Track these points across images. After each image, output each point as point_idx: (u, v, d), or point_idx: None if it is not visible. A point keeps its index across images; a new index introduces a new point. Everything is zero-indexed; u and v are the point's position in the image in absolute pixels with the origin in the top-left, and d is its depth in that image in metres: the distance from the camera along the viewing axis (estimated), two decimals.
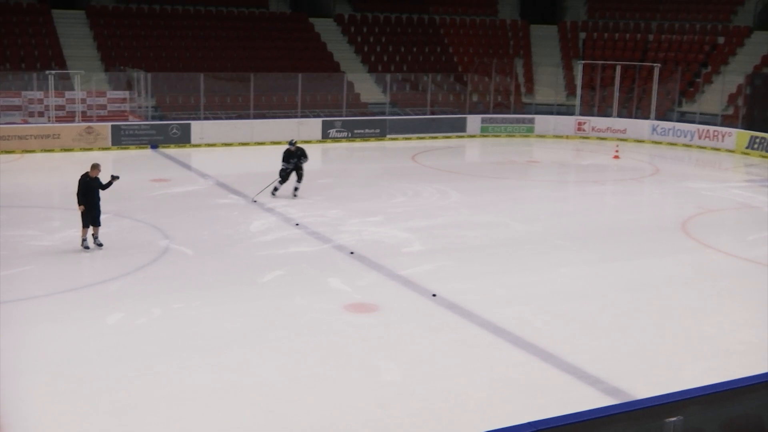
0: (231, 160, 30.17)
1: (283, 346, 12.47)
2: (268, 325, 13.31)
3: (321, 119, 34.46)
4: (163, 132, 31.44)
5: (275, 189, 22.59)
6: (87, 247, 16.76)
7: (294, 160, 22.58)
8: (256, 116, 33.90)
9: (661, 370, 12.00)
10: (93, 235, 16.87)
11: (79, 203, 16.53)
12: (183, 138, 31.63)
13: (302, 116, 34.58)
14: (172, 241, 17.92)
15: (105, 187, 16.86)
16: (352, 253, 17.28)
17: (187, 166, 28.25)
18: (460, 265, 16.96)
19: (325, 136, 34.07)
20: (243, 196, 22.73)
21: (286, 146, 22.97)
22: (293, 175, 22.75)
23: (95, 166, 16.82)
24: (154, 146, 30.99)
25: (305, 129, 33.74)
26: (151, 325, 13.11)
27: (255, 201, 21.88)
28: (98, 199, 16.74)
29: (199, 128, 32.10)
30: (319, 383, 11.15)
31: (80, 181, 16.67)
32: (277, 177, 22.73)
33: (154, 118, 32.80)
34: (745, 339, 13.35)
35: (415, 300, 14.62)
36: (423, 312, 14.06)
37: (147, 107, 33.16)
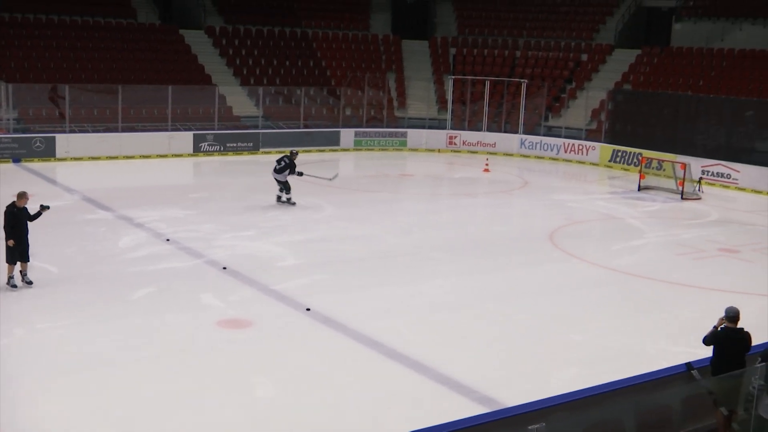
0: (98, 174, 29.32)
1: (155, 365, 12.20)
2: (138, 343, 12.99)
3: (192, 132, 33.89)
4: (26, 145, 30.27)
5: (289, 199, 23.61)
6: (15, 286, 14.96)
7: (284, 167, 23.50)
8: (125, 129, 33.05)
9: (531, 377, 12.34)
10: (21, 272, 15.16)
11: (8, 237, 14.82)
12: (47, 151, 30.55)
13: (173, 129, 33.92)
14: (35, 258, 17.20)
15: (33, 218, 15.24)
16: (224, 268, 17.08)
17: (52, 181, 27.30)
18: (335, 279, 16.99)
19: (197, 150, 33.54)
20: (111, 210, 22.14)
21: (287, 154, 24.03)
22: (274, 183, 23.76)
23: (22, 195, 15.14)
24: (17, 160, 29.83)
25: (176, 142, 33.15)
26: (13, 347, 12.59)
27: (333, 178, 24.23)
28: (27, 231, 15.05)
29: (65, 141, 31.06)
30: (192, 401, 10.96)
31: (7, 211, 14.97)
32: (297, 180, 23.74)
33: (16, 130, 31.55)
34: (610, 345, 13.88)
35: (290, 314, 14.55)
36: (297, 326, 14.02)
37: (8, 119, 31.88)
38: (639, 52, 40.81)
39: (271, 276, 16.69)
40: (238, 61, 40.36)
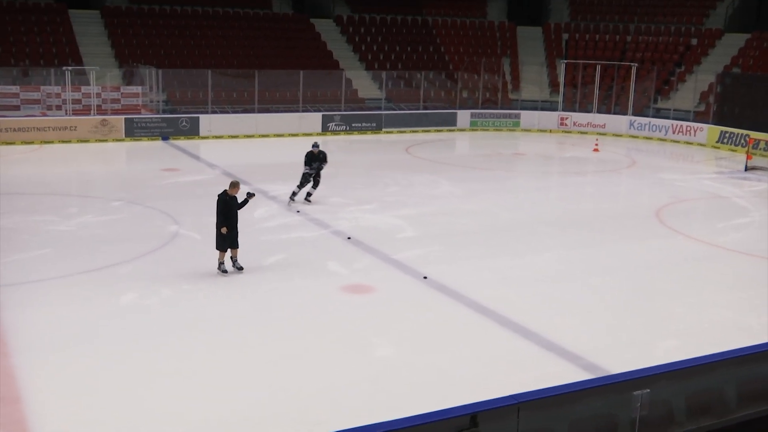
0: (237, 151, 30.10)
1: (283, 325, 12.50)
2: (270, 305, 13.35)
3: (321, 113, 34.39)
4: (174, 125, 31.36)
5: (294, 194, 20.57)
6: (225, 271, 14.50)
7: (316, 164, 20.58)
8: (261, 110, 33.80)
9: (634, 346, 12.07)
10: (232, 258, 14.70)
11: (221, 224, 14.29)
12: (192, 130, 31.56)
13: (303, 110, 34.51)
14: (181, 226, 17.92)
15: (242, 206, 14.64)
16: (349, 238, 17.30)
17: (196, 157, 28.19)
18: (450, 250, 16.98)
19: (325, 129, 34.03)
20: (248, 184, 22.66)
21: (310, 149, 20.90)
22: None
23: (235, 184, 14.53)
24: (165, 138, 30.93)
25: (306, 122, 33.69)
26: (161, 306, 13.13)
27: (293, 201, 20.44)
28: (237, 219, 14.54)
29: (207, 121, 32.03)
30: (317, 359, 11.18)
31: (220, 199, 14.34)
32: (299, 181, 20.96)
33: (165, 111, 32.70)
34: (712, 319, 13.42)
35: (408, 282, 14.65)
36: (414, 293, 14.10)
37: (158, 101, 33.07)
38: (749, 36, 39.01)
39: (391, 246, 16.82)
40: (363, 48, 40.62)
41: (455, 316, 13.16)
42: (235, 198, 14.48)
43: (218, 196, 14.40)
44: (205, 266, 15.07)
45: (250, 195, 14.81)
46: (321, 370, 10.80)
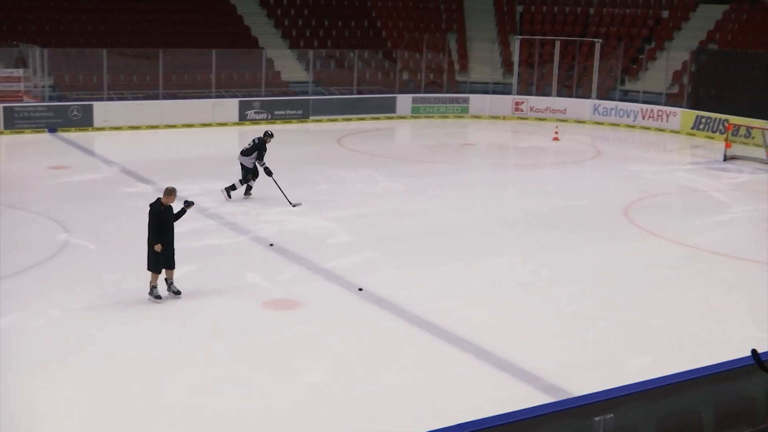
0: (138, 144, 29.73)
1: (197, 349, 12.38)
2: (180, 325, 13.22)
3: (238, 99, 34.17)
4: (63, 114, 30.82)
5: (249, 189, 21.25)
6: (159, 297, 13.85)
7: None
8: (166, 96, 33.44)
9: (603, 364, 12.27)
10: (166, 279, 14.08)
11: (154, 241, 13.67)
12: (84, 120, 31.05)
13: (217, 96, 34.26)
14: (72, 234, 17.62)
15: (177, 217, 14.11)
16: (271, 245, 17.22)
17: (90, 152, 27.77)
18: (389, 257, 17.02)
19: (243, 118, 33.81)
20: (152, 183, 22.45)
21: (260, 138, 21.32)
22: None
23: (171, 191, 13.92)
24: (52, 130, 30.39)
25: (220, 110, 33.44)
26: (49, 328, 12.89)
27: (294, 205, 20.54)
28: (173, 233, 13.98)
29: (103, 110, 31.54)
30: (236, 387, 11.11)
31: (153, 210, 13.75)
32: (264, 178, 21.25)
33: (51, 98, 32.12)
34: (691, 330, 13.71)
35: (340, 295, 14.64)
36: (348, 308, 14.11)
37: (44, 87, 32.48)
38: (726, 7, 39.92)
39: (321, 253, 16.78)
40: (286, 22, 40.50)
41: (396, 333, 13.19)
42: (171, 208, 13.95)
43: (150, 206, 13.84)
44: (101, 280, 14.86)
45: (188, 204, 14.36)
46: (242, 399, 10.73)
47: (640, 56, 39.73)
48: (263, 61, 35.86)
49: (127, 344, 12.37)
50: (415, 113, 37.41)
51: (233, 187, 21.06)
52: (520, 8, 43.95)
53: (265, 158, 21.01)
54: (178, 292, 14.07)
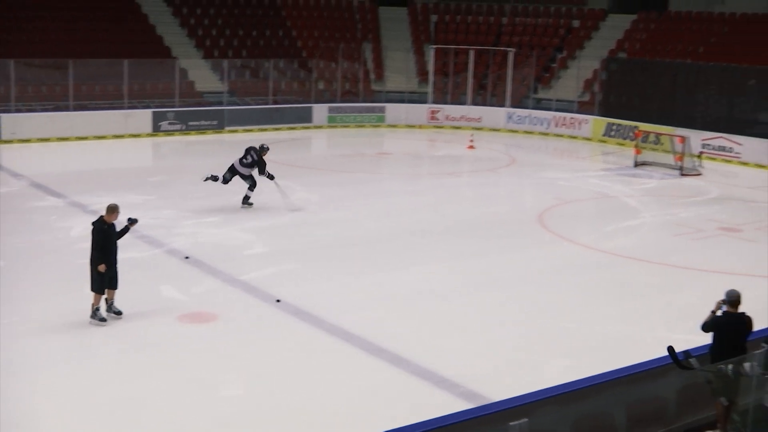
0: (48, 157, 29.15)
1: (114, 364, 12.20)
2: (94, 341, 12.98)
3: (151, 110, 33.73)
4: None
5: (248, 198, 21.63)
6: (103, 319, 13.40)
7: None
8: (77, 107, 32.83)
9: (520, 370, 12.43)
10: (107, 299, 13.61)
11: (99, 260, 13.24)
12: None
13: (130, 107, 33.75)
14: None
15: (120, 235, 13.69)
16: (187, 257, 17.05)
17: None
18: (307, 267, 16.99)
19: (157, 129, 33.38)
20: (63, 197, 22.02)
21: (255, 148, 21.70)
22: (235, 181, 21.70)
23: (114, 209, 13.48)
24: None
25: (133, 121, 32.97)
26: None
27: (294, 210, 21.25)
28: (117, 252, 13.58)
29: (11, 122, 30.82)
30: (154, 402, 10.96)
31: (97, 229, 13.36)
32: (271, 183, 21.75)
33: None
34: (605, 334, 14.00)
35: (258, 307, 14.57)
36: (266, 320, 14.05)
37: None
38: (635, 17, 40.90)
39: (237, 265, 16.69)
40: (200, 32, 40.13)
41: (315, 344, 13.18)
42: (114, 226, 13.53)
43: (93, 224, 13.46)
44: (12, 297, 14.51)
45: (131, 221, 13.94)
46: (158, 417, 10.60)
47: (552, 65, 40.43)
48: (177, 71, 35.48)
49: (40, 361, 12.10)
50: (332, 123, 37.43)
51: (248, 199, 21.55)
52: (434, 18, 44.35)
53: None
54: (119, 313, 13.63)
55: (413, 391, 11.60)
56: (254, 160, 21.38)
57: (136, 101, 34.34)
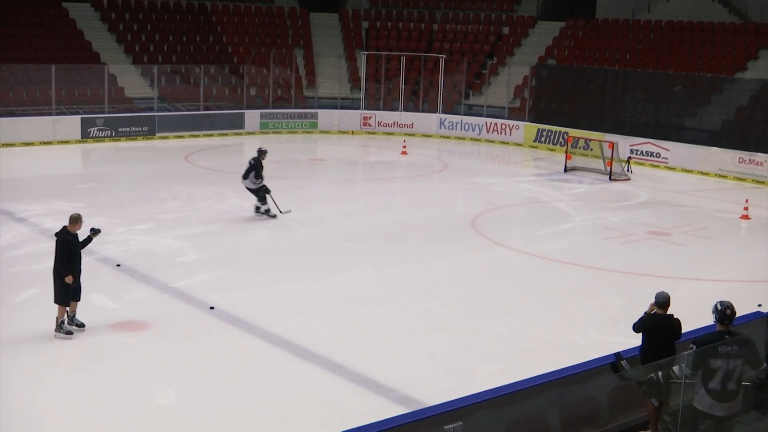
0: None
1: (41, 374, 11.99)
2: (22, 350, 12.73)
3: (80, 116, 33.21)
4: None
5: (262, 210, 21.19)
6: (70, 332, 13.11)
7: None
8: (3, 114, 32.19)
9: (453, 374, 12.51)
10: (69, 312, 13.27)
11: (65, 272, 12.95)
12: None
13: (58, 113, 33.20)
14: None
15: (83, 245, 13.42)
16: (118, 265, 16.84)
17: None
18: (240, 274, 16.94)
19: (86, 136, 32.89)
20: None
21: (254, 158, 21.19)
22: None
23: (77, 219, 13.24)
24: None
25: (62, 128, 32.43)
26: None
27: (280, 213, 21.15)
28: (81, 263, 13.37)
29: None
30: (84, 412, 10.81)
31: (61, 240, 13.06)
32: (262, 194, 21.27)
33: None
34: (537, 337, 14.16)
35: (191, 314, 14.46)
36: (200, 327, 13.94)
37: None
38: (563, 24, 41.54)
39: (170, 273, 16.54)
40: (129, 37, 39.66)
41: (249, 351, 13.13)
42: (77, 236, 13.27)
43: (57, 235, 13.16)
44: None
45: (94, 231, 13.61)
46: (92, 427, 10.45)
47: (483, 71, 40.80)
48: (106, 76, 34.98)
49: None
50: (264, 129, 37.28)
51: (266, 209, 21.14)
52: (365, 24, 44.47)
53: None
54: (81, 325, 13.32)
55: (348, 396, 11.61)
56: (250, 166, 21.03)
57: (64, 107, 33.81)
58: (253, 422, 10.79)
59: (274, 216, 21.16)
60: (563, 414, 7.70)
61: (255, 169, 20.99)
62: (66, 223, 13.25)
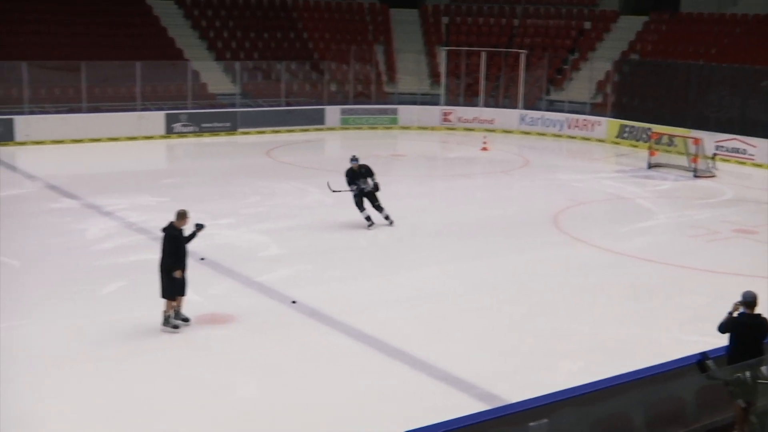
0: (62, 158, 29.30)
1: (126, 364, 12.25)
2: (109, 341, 13.02)
3: (164, 112, 33.86)
4: None
5: (368, 218, 20.01)
6: (176, 326, 13.35)
7: (359, 181, 19.94)
8: (90, 110, 32.98)
9: (534, 371, 12.42)
10: (175, 307, 13.52)
11: (174, 266, 13.20)
12: (5, 135, 30.48)
13: (143, 109, 33.89)
14: None
15: (188, 241, 13.58)
16: (202, 259, 17.08)
17: (11, 167, 27.25)
18: (322, 269, 17.05)
19: (170, 131, 33.50)
20: (77, 198, 22.13)
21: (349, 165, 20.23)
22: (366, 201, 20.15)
23: (182, 215, 13.41)
24: None
25: (146, 123, 33.10)
26: None
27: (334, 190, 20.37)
28: (186, 259, 13.51)
29: (24, 124, 31.01)
30: (167, 403, 11.01)
31: (169, 236, 13.28)
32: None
33: None
34: (619, 335, 13.98)
35: (274, 308, 14.62)
36: (282, 321, 14.08)
37: None
38: (647, 18, 40.86)
39: (252, 267, 16.75)
40: (212, 34, 40.24)
41: (330, 345, 13.21)
42: (182, 231, 13.45)
43: (163, 231, 13.37)
44: (28, 298, 14.60)
45: (199, 227, 13.74)
46: (173, 418, 10.64)
47: (565, 67, 40.40)
48: (189, 73, 35.57)
49: (55, 362, 12.17)
50: (344, 125, 37.50)
51: (368, 218, 20.07)
52: (446, 20, 44.36)
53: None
54: (186, 320, 13.54)
55: (430, 392, 11.61)
56: (346, 178, 20.20)
57: (149, 103, 34.47)
58: (335, 416, 10.86)
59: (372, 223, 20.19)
60: (648, 413, 7.61)
61: (348, 179, 20.18)
62: (173, 218, 13.40)
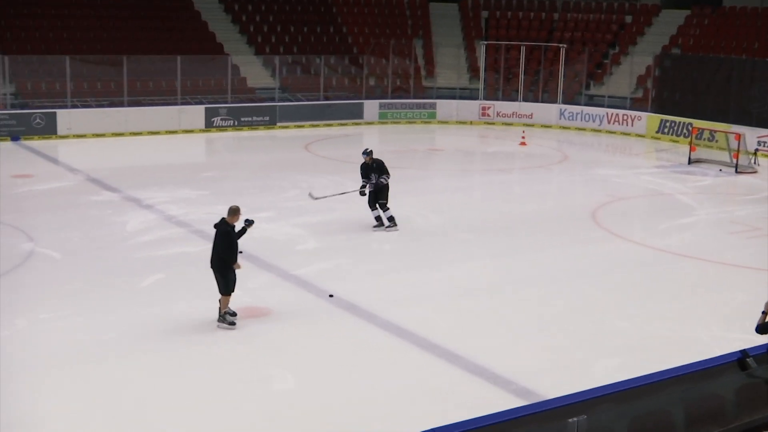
0: (103, 152, 29.56)
1: (165, 357, 12.36)
2: (148, 333, 13.13)
3: (204, 106, 34.07)
4: (25, 122, 30.57)
5: (377, 219, 19.36)
6: (233, 323, 13.35)
7: (372, 175, 19.41)
8: (131, 104, 33.27)
9: (572, 367, 12.36)
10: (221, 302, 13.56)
11: (229, 261, 13.34)
12: (48, 128, 30.83)
13: (183, 103, 34.10)
14: (37, 243, 17.48)
15: (239, 236, 13.75)
16: (240, 252, 17.09)
17: (54, 160, 27.57)
18: (359, 263, 17.08)
19: (209, 125, 33.72)
20: (118, 191, 22.34)
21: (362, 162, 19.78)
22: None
23: (236, 210, 13.57)
24: (16, 138, 30.12)
25: (186, 117, 33.33)
26: (15, 339, 12.78)
27: (316, 198, 19.98)
28: (237, 254, 13.68)
29: (66, 117, 31.33)
30: (205, 396, 11.08)
31: (222, 231, 13.38)
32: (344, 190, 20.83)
33: (14, 106, 31.84)
34: (658, 332, 13.85)
35: (311, 302, 14.66)
36: (319, 315, 14.11)
37: (5, 95, 32.15)
38: (688, 12, 40.43)
39: (290, 260, 16.81)
40: (252, 28, 40.43)
41: (367, 339, 13.24)
42: (234, 227, 13.57)
43: (216, 227, 13.46)
44: (68, 290, 14.76)
45: (248, 222, 13.90)
46: (211, 408, 10.71)
47: (605, 61, 40.10)
48: (229, 67, 35.74)
49: (95, 354, 12.29)
50: (383, 119, 37.50)
51: (378, 219, 19.43)
52: (485, 14, 44.19)
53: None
54: (234, 314, 13.54)
55: (467, 387, 11.60)
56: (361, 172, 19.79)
57: (189, 97, 34.69)
58: (369, 410, 10.88)
59: (388, 227, 19.48)
60: (688, 411, 7.53)
61: (362, 172, 19.79)
62: (225, 214, 13.46)
